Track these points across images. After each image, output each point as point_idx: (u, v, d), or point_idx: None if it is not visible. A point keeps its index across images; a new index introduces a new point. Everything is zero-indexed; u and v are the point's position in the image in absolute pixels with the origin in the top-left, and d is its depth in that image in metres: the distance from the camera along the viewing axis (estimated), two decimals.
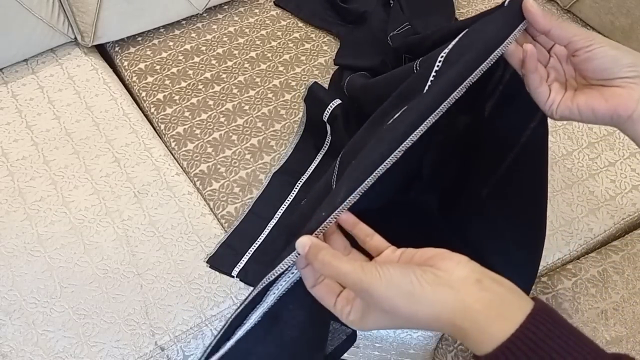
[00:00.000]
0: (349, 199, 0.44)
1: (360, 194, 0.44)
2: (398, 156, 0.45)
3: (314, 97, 0.96)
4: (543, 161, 0.62)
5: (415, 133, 0.45)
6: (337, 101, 0.91)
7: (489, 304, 0.37)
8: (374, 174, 0.45)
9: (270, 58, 1.11)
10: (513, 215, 0.67)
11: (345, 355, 0.93)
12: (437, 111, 0.45)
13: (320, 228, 0.44)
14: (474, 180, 0.67)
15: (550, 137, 0.97)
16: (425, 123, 0.45)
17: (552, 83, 0.49)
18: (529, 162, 0.62)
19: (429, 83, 0.51)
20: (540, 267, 0.85)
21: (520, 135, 0.59)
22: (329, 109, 0.90)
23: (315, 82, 0.98)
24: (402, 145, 0.45)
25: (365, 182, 0.44)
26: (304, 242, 0.42)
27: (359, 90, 0.91)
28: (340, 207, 0.44)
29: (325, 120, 0.92)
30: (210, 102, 1.03)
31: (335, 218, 0.44)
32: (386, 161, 0.45)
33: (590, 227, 0.89)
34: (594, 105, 0.46)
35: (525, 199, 0.66)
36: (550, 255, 0.86)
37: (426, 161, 0.68)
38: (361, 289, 0.39)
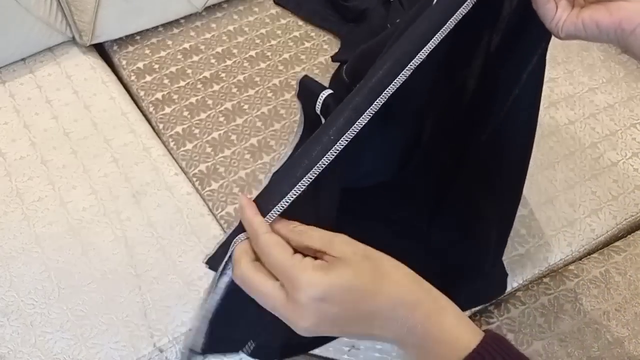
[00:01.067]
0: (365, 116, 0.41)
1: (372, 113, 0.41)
2: (418, 63, 0.42)
3: (306, 91, 0.96)
4: (537, 103, 0.62)
5: (432, 41, 0.43)
6: (328, 91, 0.90)
7: (456, 310, 0.38)
8: (395, 81, 0.42)
9: (270, 57, 1.11)
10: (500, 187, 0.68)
11: (346, 356, 0.92)
12: (457, 13, 0.43)
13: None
14: (472, 139, 0.66)
15: (552, 137, 0.97)
16: (446, 25, 0.43)
17: (560, 0, 0.49)
18: (525, 106, 0.61)
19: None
20: (543, 268, 0.85)
21: (523, 71, 0.58)
22: (320, 99, 0.89)
23: (306, 75, 0.97)
24: (424, 49, 0.42)
25: (384, 91, 0.41)
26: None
27: (360, 57, 0.89)
28: (368, 110, 0.41)
29: (319, 112, 0.91)
30: (210, 102, 1.02)
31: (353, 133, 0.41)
32: (410, 65, 0.42)
33: (593, 227, 0.88)
34: (598, 19, 0.45)
35: (514, 157, 0.66)
36: (553, 256, 0.85)
37: (428, 123, 0.67)
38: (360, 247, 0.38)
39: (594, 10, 0.46)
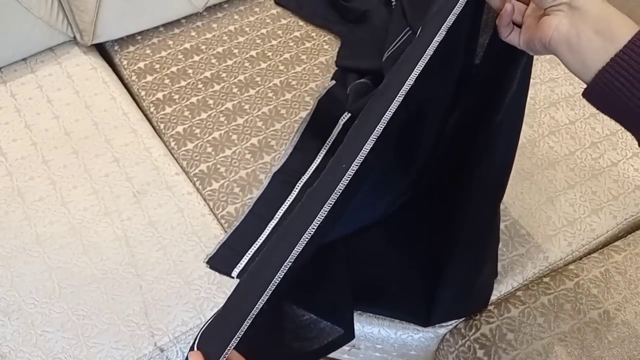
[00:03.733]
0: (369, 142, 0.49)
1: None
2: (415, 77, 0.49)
3: (333, 98, 0.97)
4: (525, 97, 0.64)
5: (420, 62, 0.49)
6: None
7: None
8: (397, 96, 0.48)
9: (271, 57, 1.11)
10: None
11: (346, 356, 0.92)
12: (442, 27, 0.48)
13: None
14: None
15: (552, 137, 0.98)
16: (435, 40, 0.49)
17: (526, 19, 0.52)
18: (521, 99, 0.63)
19: (419, 31, 0.53)
20: (543, 268, 0.85)
21: (520, 63, 0.60)
22: (349, 113, 0.91)
23: (336, 84, 0.99)
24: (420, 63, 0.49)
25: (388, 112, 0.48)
26: None
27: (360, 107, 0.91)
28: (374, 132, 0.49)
29: (342, 122, 0.92)
30: (210, 102, 1.03)
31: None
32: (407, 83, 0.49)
33: (593, 227, 0.88)
34: (531, 37, 0.49)
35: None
36: (553, 255, 0.85)
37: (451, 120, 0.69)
38: None
39: (533, 30, 0.49)
